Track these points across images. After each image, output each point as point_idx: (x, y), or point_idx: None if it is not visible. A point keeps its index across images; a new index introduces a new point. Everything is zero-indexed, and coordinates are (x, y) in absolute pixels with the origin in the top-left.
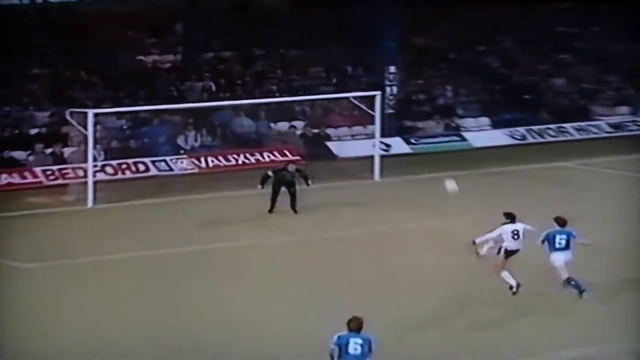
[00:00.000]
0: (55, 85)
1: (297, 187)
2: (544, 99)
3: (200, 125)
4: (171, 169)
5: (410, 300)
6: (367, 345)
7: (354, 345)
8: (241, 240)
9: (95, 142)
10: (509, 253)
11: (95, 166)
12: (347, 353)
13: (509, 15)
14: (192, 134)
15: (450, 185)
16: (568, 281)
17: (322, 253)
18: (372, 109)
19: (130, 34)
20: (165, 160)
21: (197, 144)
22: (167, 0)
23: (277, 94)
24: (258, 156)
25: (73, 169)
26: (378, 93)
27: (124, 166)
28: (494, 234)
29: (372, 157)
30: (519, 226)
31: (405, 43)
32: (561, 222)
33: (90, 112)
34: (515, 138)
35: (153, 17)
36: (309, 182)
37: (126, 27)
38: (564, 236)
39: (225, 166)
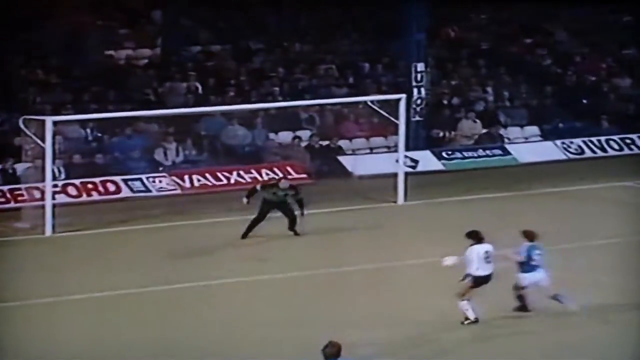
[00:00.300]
0: (5, 87)
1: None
2: (605, 104)
3: (184, 136)
4: (147, 190)
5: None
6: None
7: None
8: (226, 275)
9: (55, 156)
10: (480, 281)
11: (55, 186)
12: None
13: (563, 1)
14: (173, 146)
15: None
16: (555, 297)
17: (328, 293)
18: (396, 115)
19: (99, 22)
20: (140, 179)
21: (179, 159)
22: None
23: (279, 97)
24: (254, 174)
25: (27, 189)
26: (403, 96)
27: (89, 186)
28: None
29: (395, 175)
30: (488, 247)
31: (435, 35)
32: (530, 236)
33: (49, 120)
34: (570, 152)
35: (126, 1)
36: (304, 211)
37: (93, 14)
38: (538, 252)
39: (213, 186)
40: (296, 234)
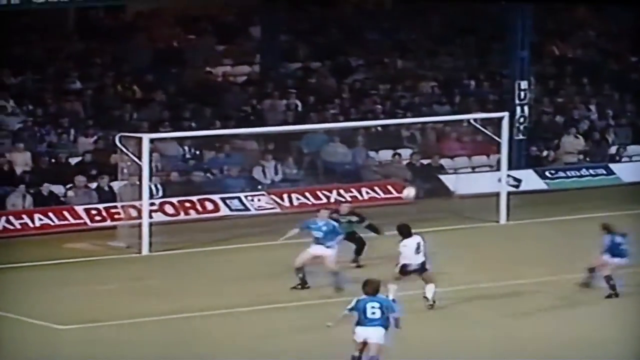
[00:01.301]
0: (101, 104)
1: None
2: None
3: (283, 154)
4: (246, 208)
5: None
6: (385, 308)
7: (372, 310)
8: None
9: (152, 174)
10: (407, 271)
11: (151, 204)
12: (366, 317)
13: None
14: (272, 164)
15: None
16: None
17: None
18: (498, 134)
19: (195, 39)
20: (238, 197)
21: (278, 178)
22: None
23: (380, 115)
24: (354, 192)
25: (124, 207)
26: (505, 114)
27: (187, 204)
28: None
29: (497, 195)
30: (418, 238)
31: (540, 51)
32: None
33: (145, 137)
34: None
35: (223, 18)
36: (379, 230)
37: (190, 30)
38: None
39: (313, 205)
40: (358, 265)
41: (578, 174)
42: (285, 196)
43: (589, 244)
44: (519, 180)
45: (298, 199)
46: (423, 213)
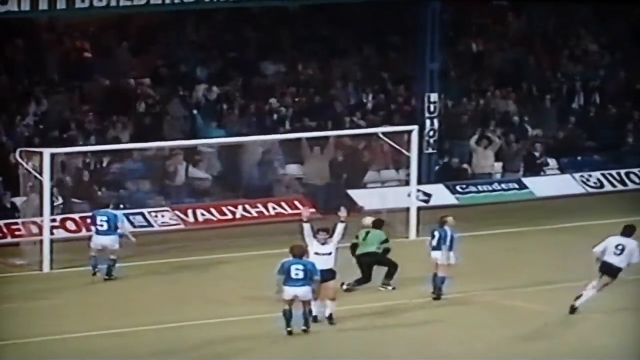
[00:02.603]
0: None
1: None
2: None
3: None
4: (150, 224)
5: None
6: (309, 271)
7: (296, 271)
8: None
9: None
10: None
11: (53, 220)
12: (290, 278)
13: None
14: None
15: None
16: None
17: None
18: (408, 148)
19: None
20: (142, 213)
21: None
22: None
23: (285, 126)
24: (261, 208)
25: (24, 223)
26: (415, 128)
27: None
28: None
29: (407, 210)
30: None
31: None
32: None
33: (46, 152)
34: (589, 185)
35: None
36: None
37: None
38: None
39: (218, 220)
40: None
41: (490, 188)
42: (189, 212)
43: (498, 260)
44: (428, 195)
45: (203, 214)
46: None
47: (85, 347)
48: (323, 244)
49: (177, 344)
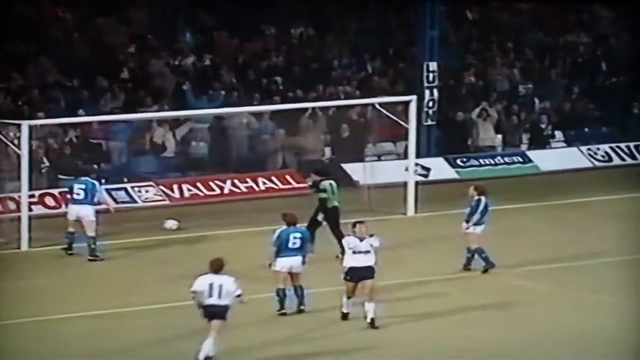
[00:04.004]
0: None
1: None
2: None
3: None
4: (133, 200)
5: None
6: (305, 238)
7: (294, 240)
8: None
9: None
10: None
11: (31, 196)
12: (287, 247)
13: None
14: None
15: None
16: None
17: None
18: (406, 119)
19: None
20: (125, 189)
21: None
22: None
23: (280, 97)
24: (250, 183)
25: (1, 199)
26: (413, 98)
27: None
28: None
29: (404, 185)
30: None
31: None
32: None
33: (25, 124)
34: (596, 159)
35: None
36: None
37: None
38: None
39: (205, 196)
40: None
41: (492, 162)
42: (175, 187)
43: (501, 237)
44: (427, 169)
45: (189, 190)
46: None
47: (67, 329)
48: (362, 240)
49: (164, 325)
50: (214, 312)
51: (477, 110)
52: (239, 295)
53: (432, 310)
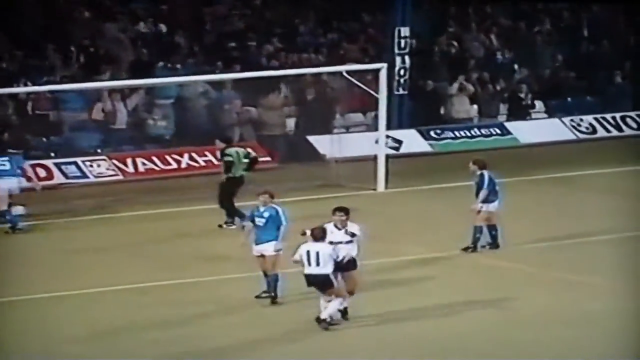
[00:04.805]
0: None
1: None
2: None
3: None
4: (85, 175)
5: None
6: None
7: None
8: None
9: None
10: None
11: None
12: (255, 225)
13: None
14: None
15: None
16: None
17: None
18: (376, 88)
19: None
20: (75, 163)
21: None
22: None
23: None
24: (209, 157)
25: None
26: (384, 66)
27: None
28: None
29: (374, 158)
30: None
31: None
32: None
33: None
34: (580, 131)
35: None
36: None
37: None
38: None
39: (162, 170)
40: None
41: (468, 134)
42: (129, 161)
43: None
44: (399, 142)
45: (144, 164)
46: (289, 181)
47: (6, 313)
48: (340, 229)
49: (113, 310)
50: (313, 281)
51: (455, 85)
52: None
53: (406, 293)
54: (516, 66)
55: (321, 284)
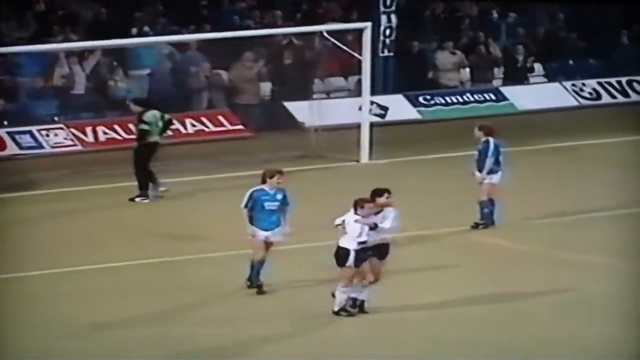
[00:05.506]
0: None
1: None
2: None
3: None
4: (40, 146)
5: None
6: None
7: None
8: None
9: None
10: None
11: None
12: (263, 209)
13: None
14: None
15: None
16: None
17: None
18: (359, 50)
19: None
20: (30, 132)
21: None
22: None
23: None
24: (177, 125)
25: None
26: (368, 25)
27: None
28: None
29: (357, 127)
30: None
31: None
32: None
33: None
34: (583, 96)
35: None
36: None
37: None
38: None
39: (124, 140)
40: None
41: (460, 99)
42: (88, 130)
43: (472, 189)
44: (384, 108)
45: (105, 133)
46: (265, 151)
47: None
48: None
49: (71, 290)
50: (334, 253)
51: (446, 52)
52: None
53: (398, 272)
54: (513, 26)
55: (338, 257)
